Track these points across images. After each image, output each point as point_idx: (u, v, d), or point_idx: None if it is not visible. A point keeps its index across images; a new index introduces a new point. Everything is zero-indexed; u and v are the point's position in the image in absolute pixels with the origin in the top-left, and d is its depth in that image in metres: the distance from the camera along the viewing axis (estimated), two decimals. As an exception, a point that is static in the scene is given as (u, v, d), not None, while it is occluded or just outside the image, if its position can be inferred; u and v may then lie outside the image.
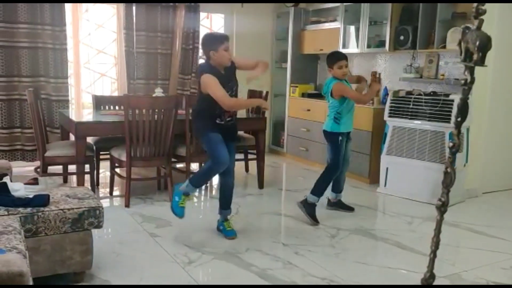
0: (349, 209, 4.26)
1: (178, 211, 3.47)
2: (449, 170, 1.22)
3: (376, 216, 4.42)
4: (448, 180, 1.23)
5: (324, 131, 4.06)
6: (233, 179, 3.59)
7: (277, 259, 3.20)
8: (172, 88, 6.11)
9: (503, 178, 5.18)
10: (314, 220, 3.90)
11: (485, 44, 1.07)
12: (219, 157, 3.34)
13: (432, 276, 1.35)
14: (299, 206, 4.00)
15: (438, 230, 1.35)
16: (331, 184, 4.12)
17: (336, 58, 3.98)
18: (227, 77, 3.40)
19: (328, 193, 4.23)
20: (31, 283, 1.71)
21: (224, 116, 3.42)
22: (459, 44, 1.13)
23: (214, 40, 3.37)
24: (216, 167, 3.39)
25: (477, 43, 1.07)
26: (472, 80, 1.12)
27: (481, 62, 1.08)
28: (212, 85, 3.26)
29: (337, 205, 4.27)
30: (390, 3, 5.22)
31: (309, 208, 3.94)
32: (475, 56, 1.08)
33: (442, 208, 1.30)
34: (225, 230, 3.57)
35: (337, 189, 4.25)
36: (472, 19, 1.08)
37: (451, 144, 1.24)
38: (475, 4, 1.08)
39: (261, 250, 3.34)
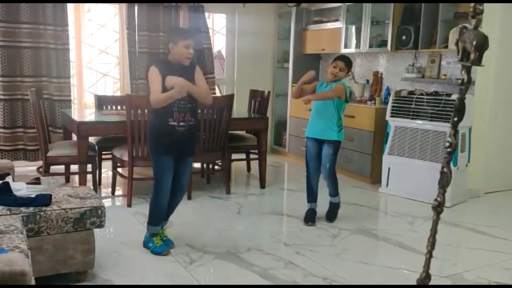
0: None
1: (160, 250, 3.20)
2: (445, 170, 1.23)
3: (378, 216, 4.42)
4: (445, 180, 1.24)
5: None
6: (180, 199, 3.36)
7: (278, 259, 3.20)
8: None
9: (505, 178, 5.17)
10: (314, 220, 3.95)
11: (482, 43, 1.07)
12: (161, 184, 3.15)
13: (428, 276, 1.36)
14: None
15: (434, 230, 1.36)
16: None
17: (336, 58, 3.99)
18: (186, 76, 3.04)
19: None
20: (33, 282, 1.72)
21: (175, 117, 3.06)
22: (457, 43, 1.13)
23: (177, 33, 3.17)
24: (159, 192, 3.17)
25: (474, 42, 1.07)
26: (469, 80, 1.12)
27: (478, 61, 1.09)
28: (150, 79, 3.00)
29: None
30: (392, 3, 5.22)
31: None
32: (472, 56, 1.09)
33: (438, 208, 1.30)
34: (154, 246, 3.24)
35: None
36: (469, 19, 1.08)
37: (447, 143, 1.24)
38: (472, 4, 1.08)
39: (262, 250, 3.34)
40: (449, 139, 1.20)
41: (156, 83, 2.98)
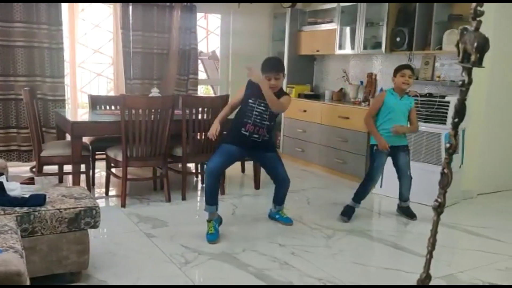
0: (412, 216, 4.19)
1: (209, 238, 3.47)
2: (446, 171, 1.23)
3: (372, 217, 4.43)
4: (445, 181, 1.24)
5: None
6: (285, 186, 3.90)
7: (273, 259, 3.20)
8: (170, 88, 6.10)
9: (498, 180, 5.20)
10: (344, 216, 4.04)
11: (483, 45, 1.08)
12: (208, 165, 3.59)
13: (428, 276, 1.36)
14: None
15: (434, 231, 1.36)
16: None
17: (402, 66, 4.02)
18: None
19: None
20: (28, 283, 1.70)
21: (247, 128, 3.58)
22: (457, 45, 1.14)
23: (263, 66, 3.63)
24: (207, 175, 3.55)
25: (475, 44, 1.08)
26: (470, 81, 1.13)
27: (479, 63, 1.09)
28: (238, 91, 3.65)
29: (401, 210, 4.28)
30: (386, 4, 5.23)
31: (348, 209, 4.06)
32: (473, 57, 1.09)
33: (439, 209, 1.31)
34: (281, 217, 3.92)
35: (401, 197, 4.26)
36: (470, 21, 1.09)
37: (448, 145, 1.24)
38: (473, 5, 1.08)
39: (257, 250, 3.34)
40: (450, 141, 1.20)
41: (236, 96, 3.76)
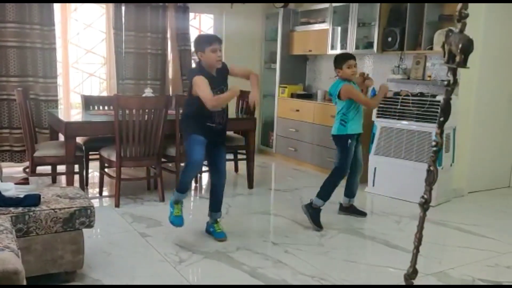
0: (362, 214, 4.19)
1: (175, 221, 3.43)
2: (432, 168, 1.27)
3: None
4: (431, 178, 1.28)
5: (332, 136, 4.01)
6: (223, 181, 3.58)
7: (267, 257, 3.23)
8: (173, 88, 6.15)
9: (488, 178, 5.27)
10: (318, 226, 3.82)
11: (468, 46, 1.12)
12: (191, 156, 3.35)
13: (415, 271, 1.41)
14: (303, 209, 3.92)
15: (421, 227, 1.41)
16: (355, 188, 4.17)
17: (345, 57, 3.95)
18: (218, 80, 3.40)
19: (341, 197, 4.22)
20: (25, 282, 1.72)
21: (215, 118, 3.39)
22: (443, 46, 1.18)
23: (202, 41, 3.37)
24: (190, 166, 3.39)
25: (460, 45, 1.12)
26: (455, 81, 1.17)
27: (464, 64, 1.13)
28: (199, 85, 3.23)
29: (349, 210, 4.21)
30: (378, 5, 5.28)
31: (313, 212, 3.86)
32: (457, 58, 1.13)
33: (425, 205, 1.35)
34: (215, 232, 3.56)
35: (350, 194, 4.18)
36: (455, 22, 1.13)
37: (433, 143, 1.28)
38: (458, 7, 1.12)
39: (251, 249, 3.37)
40: (435, 138, 1.24)
41: (207, 88, 3.24)
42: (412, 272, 1.38)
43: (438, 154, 1.27)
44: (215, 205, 3.59)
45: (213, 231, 3.57)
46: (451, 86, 1.16)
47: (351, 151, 3.94)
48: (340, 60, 3.93)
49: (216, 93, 3.30)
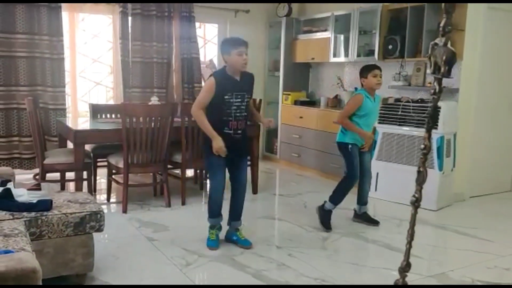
0: (374, 222, 4.19)
1: (209, 244, 3.52)
2: (421, 169, 1.37)
3: (367, 219, 4.54)
4: (421, 179, 1.38)
5: (336, 143, 4.12)
6: (244, 191, 3.63)
7: (271, 260, 3.31)
8: (177, 96, 6.26)
9: (489, 183, 5.33)
10: (325, 227, 3.96)
11: (451, 59, 1.22)
12: (212, 182, 3.53)
13: (408, 264, 1.52)
14: (316, 210, 4.09)
15: (413, 223, 1.52)
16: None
17: (371, 68, 4.00)
18: (241, 85, 3.37)
19: (353, 204, 4.27)
20: (41, 282, 1.82)
21: (230, 126, 3.35)
22: (429, 58, 1.28)
23: (228, 44, 3.33)
24: (212, 192, 3.51)
25: (444, 58, 1.22)
26: (441, 90, 1.27)
27: (448, 74, 1.23)
28: (203, 87, 3.24)
29: (362, 217, 4.25)
30: (379, 13, 5.37)
31: (323, 214, 4.01)
32: (442, 69, 1.23)
33: (416, 203, 1.46)
34: (240, 240, 3.58)
35: (360, 201, 4.23)
36: (440, 36, 1.23)
37: (422, 146, 1.39)
38: (442, 23, 1.23)
39: (255, 252, 3.45)
40: (424, 142, 1.35)
41: (205, 95, 3.30)
42: (406, 265, 1.49)
43: (427, 156, 1.37)
44: (236, 214, 3.62)
45: (237, 239, 3.59)
46: (437, 94, 1.26)
47: (354, 157, 4.00)
48: (366, 70, 4.00)
49: (236, 98, 3.32)
